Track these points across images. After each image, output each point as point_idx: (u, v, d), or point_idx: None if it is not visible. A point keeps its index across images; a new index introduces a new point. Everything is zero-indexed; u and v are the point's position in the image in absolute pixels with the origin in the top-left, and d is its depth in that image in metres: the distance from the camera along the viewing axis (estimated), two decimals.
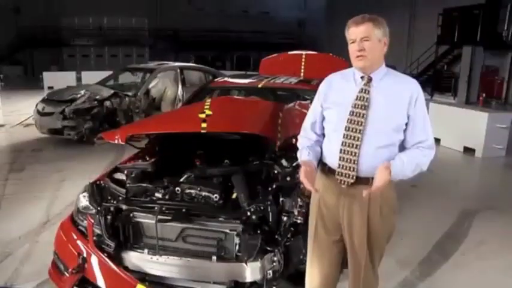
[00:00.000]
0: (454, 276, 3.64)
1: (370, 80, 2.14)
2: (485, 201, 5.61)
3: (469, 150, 8.33)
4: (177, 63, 9.98)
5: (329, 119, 2.26)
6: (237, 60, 29.44)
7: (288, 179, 2.79)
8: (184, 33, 28.52)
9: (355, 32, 2.09)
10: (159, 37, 28.40)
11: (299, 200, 2.63)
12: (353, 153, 2.12)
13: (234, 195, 2.77)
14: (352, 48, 2.12)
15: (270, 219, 2.62)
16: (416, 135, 2.17)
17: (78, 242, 2.81)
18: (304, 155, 2.28)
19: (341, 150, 2.15)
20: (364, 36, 2.07)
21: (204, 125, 2.78)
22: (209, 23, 28.40)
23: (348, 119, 2.13)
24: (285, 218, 2.66)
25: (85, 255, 2.72)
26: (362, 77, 2.16)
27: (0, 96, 10.50)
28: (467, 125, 8.45)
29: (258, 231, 2.52)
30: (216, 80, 5.81)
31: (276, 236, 2.61)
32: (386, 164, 2.05)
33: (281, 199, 2.72)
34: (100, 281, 2.64)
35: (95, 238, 2.75)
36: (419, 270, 3.69)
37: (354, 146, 2.12)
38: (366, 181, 2.12)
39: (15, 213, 4.81)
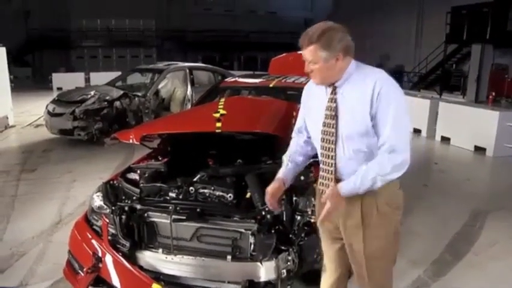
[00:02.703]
0: (468, 276, 3.62)
1: (335, 88, 2.08)
2: (497, 201, 5.56)
3: (479, 149, 8.28)
4: (186, 64, 9.99)
5: (309, 127, 2.28)
6: (245, 60, 29.45)
7: (302, 178, 2.78)
8: (191, 34, 28.57)
9: (303, 54, 2.04)
10: (167, 38, 28.47)
11: (312, 199, 2.62)
12: (330, 160, 2.12)
13: (248, 195, 2.77)
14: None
15: (284, 219, 2.62)
16: (379, 135, 2.01)
17: (93, 241, 2.83)
18: (283, 167, 2.35)
19: (321, 161, 2.18)
20: (309, 60, 2.02)
21: (218, 124, 2.79)
22: (216, 24, 28.42)
23: (322, 130, 2.13)
24: (298, 218, 2.67)
25: (100, 254, 2.74)
26: (329, 86, 2.11)
27: (11, 98, 10.57)
28: (477, 124, 8.40)
29: (273, 231, 2.52)
30: (226, 79, 5.81)
31: (290, 236, 2.62)
32: (334, 190, 2.02)
33: (294, 198, 2.73)
34: (115, 280, 2.65)
35: (109, 237, 2.77)
36: (432, 270, 3.66)
37: (330, 157, 2.12)
38: None
39: (28, 213, 4.85)
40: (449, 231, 4.47)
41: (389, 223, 2.19)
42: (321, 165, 2.18)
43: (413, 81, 21.49)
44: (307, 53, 2.00)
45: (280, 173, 2.35)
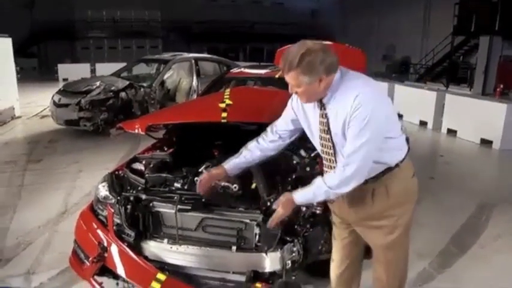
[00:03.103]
0: (472, 268, 3.60)
1: (323, 104, 2.07)
2: (503, 194, 5.53)
3: (486, 142, 8.21)
4: (191, 54, 9.98)
5: (308, 136, 2.28)
6: (250, 51, 29.36)
7: (307, 169, 2.78)
8: (197, 25, 28.50)
9: (286, 78, 2.01)
10: (172, 29, 28.40)
11: None
12: (333, 170, 2.13)
13: (253, 186, 2.76)
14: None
15: None
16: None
17: (99, 231, 2.84)
18: (236, 156, 2.45)
19: (324, 171, 2.21)
20: (292, 84, 2.00)
21: (224, 114, 2.78)
22: (222, 14, 28.32)
23: (320, 143, 2.15)
24: (304, 209, 2.65)
25: (105, 244, 2.75)
26: (317, 101, 2.10)
27: (17, 89, 10.61)
28: (484, 117, 8.32)
29: None
30: (232, 70, 5.79)
31: (296, 226, 2.61)
32: (287, 197, 2.16)
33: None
34: (120, 269, 2.66)
35: (114, 227, 2.77)
36: (437, 262, 3.66)
37: (332, 167, 2.15)
38: None
39: (35, 203, 4.88)
40: (455, 223, 4.45)
41: (402, 213, 2.20)
42: (325, 175, 2.19)
43: (419, 73, 21.34)
44: (289, 78, 1.98)
45: (229, 164, 2.46)
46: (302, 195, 2.13)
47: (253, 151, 2.43)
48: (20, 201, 4.92)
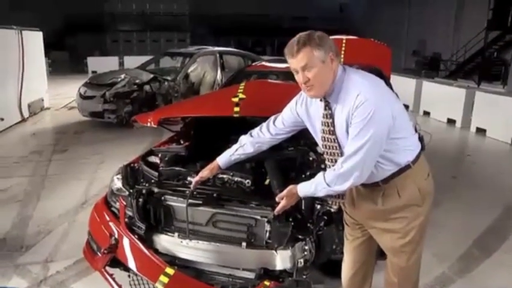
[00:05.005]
0: (496, 274, 3.46)
1: (328, 103, 2.01)
2: None
3: None
4: (216, 48, 9.97)
5: (313, 136, 2.24)
6: (278, 45, 29.17)
7: (323, 166, 2.71)
8: (225, 19, 28.50)
9: (294, 63, 1.93)
10: (200, 22, 28.51)
11: None
12: None
13: (267, 182, 2.72)
14: (298, 79, 1.97)
15: (303, 207, 2.56)
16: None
17: (111, 223, 2.86)
18: (232, 150, 2.48)
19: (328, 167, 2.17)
20: (304, 64, 1.89)
21: (236, 109, 2.73)
22: (250, 8, 28.24)
23: (323, 145, 2.11)
24: (318, 206, 2.60)
25: (117, 236, 2.76)
26: (321, 100, 2.04)
27: (48, 81, 10.88)
28: None
29: (290, 219, 2.47)
30: (253, 64, 5.74)
31: (308, 225, 2.56)
32: (292, 190, 2.16)
33: None
34: (130, 262, 2.66)
35: (126, 220, 2.78)
36: (457, 266, 3.53)
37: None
38: None
39: (57, 192, 5.00)
40: (478, 226, 4.28)
41: (415, 216, 2.12)
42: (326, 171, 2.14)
43: (450, 69, 20.75)
44: (302, 57, 1.89)
45: (223, 159, 2.51)
46: (305, 189, 2.12)
47: (247, 148, 2.46)
48: (43, 191, 5.05)
